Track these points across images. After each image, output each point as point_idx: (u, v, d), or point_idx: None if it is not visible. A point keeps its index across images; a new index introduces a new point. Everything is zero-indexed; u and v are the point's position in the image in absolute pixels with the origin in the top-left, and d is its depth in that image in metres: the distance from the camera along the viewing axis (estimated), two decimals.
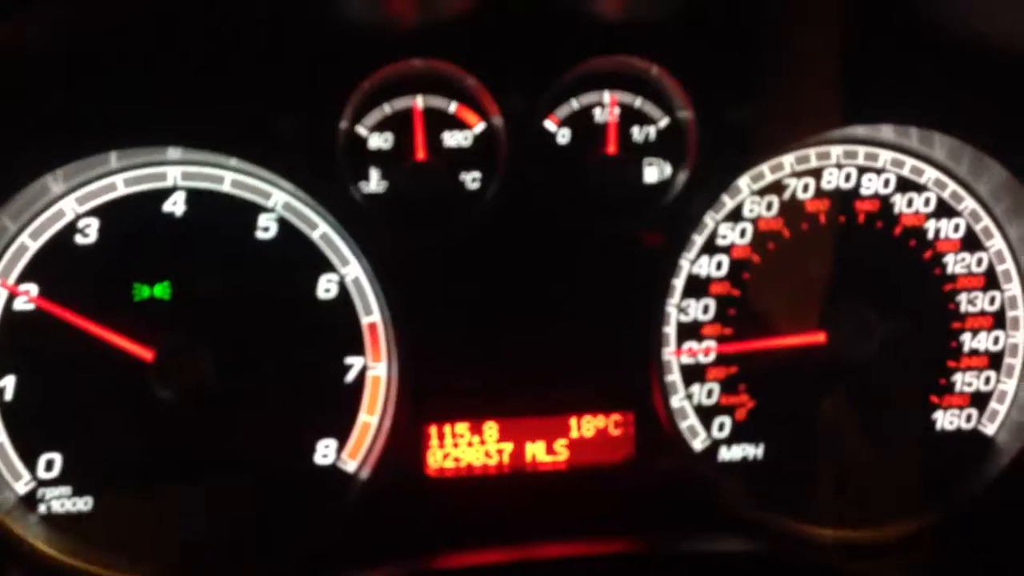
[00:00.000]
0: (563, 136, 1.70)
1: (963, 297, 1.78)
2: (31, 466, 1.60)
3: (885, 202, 1.77)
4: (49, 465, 1.60)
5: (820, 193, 1.76)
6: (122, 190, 1.60)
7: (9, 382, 1.58)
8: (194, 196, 1.62)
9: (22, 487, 1.60)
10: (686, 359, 1.75)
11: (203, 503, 1.64)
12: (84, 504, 1.62)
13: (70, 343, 1.58)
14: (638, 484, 1.71)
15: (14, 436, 1.59)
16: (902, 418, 1.79)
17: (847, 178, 1.77)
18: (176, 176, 1.62)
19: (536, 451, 1.70)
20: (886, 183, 1.77)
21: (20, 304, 1.58)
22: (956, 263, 1.78)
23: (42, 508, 1.60)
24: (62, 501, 1.61)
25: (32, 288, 1.58)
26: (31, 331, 1.58)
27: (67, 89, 1.51)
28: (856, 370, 1.75)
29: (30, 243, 1.58)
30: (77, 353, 1.58)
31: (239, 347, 1.63)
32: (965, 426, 1.80)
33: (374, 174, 1.66)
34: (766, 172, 1.75)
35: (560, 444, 1.70)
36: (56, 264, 1.58)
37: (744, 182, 1.74)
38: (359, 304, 1.67)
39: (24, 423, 1.59)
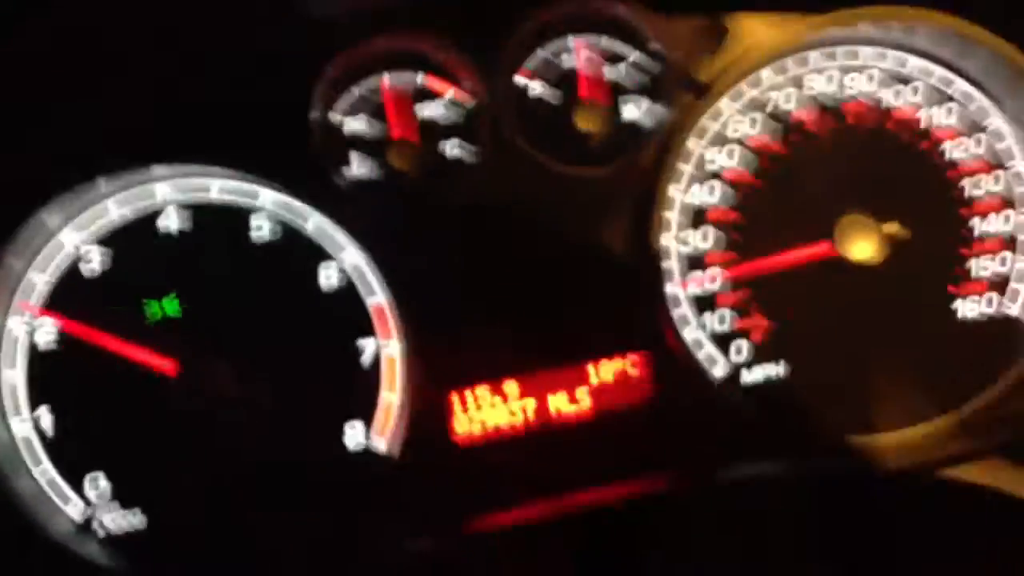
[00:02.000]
0: (535, 88, 1.70)
1: (967, 182, 1.74)
2: (79, 490, 1.66)
3: (872, 99, 1.73)
4: (95, 485, 1.66)
5: (804, 101, 1.73)
6: (115, 213, 1.65)
7: (44, 413, 1.64)
8: (185, 208, 1.66)
9: (75, 512, 1.66)
10: (694, 289, 1.74)
11: (247, 502, 1.69)
12: (138, 521, 1.67)
13: (96, 369, 1.63)
14: (665, 421, 1.72)
15: (58, 464, 1.65)
16: (923, 314, 1.76)
17: (829, 80, 1.73)
18: (165, 192, 1.65)
19: (559, 403, 1.71)
20: (870, 79, 1.73)
21: (43, 339, 1.63)
22: (954, 149, 1.74)
23: (98, 530, 1.67)
24: (115, 519, 1.67)
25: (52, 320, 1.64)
26: (57, 363, 1.63)
27: (44, 123, 1.55)
28: (869, 273, 1.73)
29: (38, 278, 1.63)
30: (104, 377, 1.63)
31: (254, 348, 1.67)
32: (987, 310, 1.76)
33: (355, 158, 1.67)
34: (745, 89, 1.72)
35: (582, 392, 1.71)
36: (67, 296, 1.63)
37: (724, 102, 1.72)
38: (362, 288, 1.69)
39: (65, 450, 1.65)
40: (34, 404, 1.64)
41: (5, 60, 1.35)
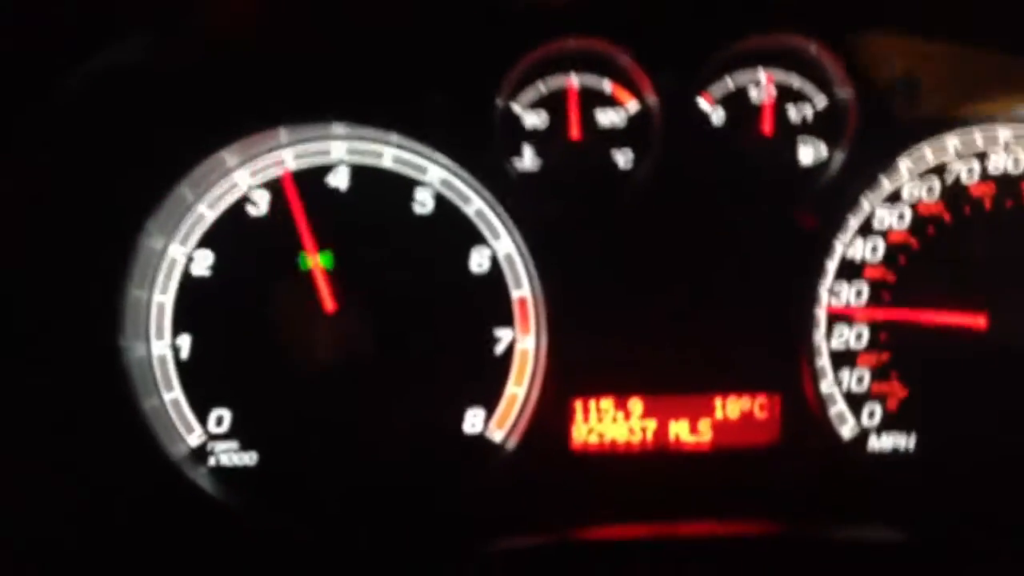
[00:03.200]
0: (717, 116, 1.69)
1: None
2: (203, 421, 1.70)
3: None
4: (219, 421, 1.70)
5: (986, 176, 1.70)
6: (291, 164, 1.69)
7: (185, 341, 1.68)
8: (357, 171, 1.69)
9: (194, 440, 1.70)
10: (836, 344, 1.72)
11: (359, 463, 1.71)
12: (250, 459, 1.71)
13: (243, 307, 1.68)
14: (783, 469, 1.70)
15: (189, 392, 1.69)
16: None
17: (1016, 162, 1.70)
18: (341, 151, 1.69)
19: (680, 430, 1.71)
20: None
21: (198, 269, 1.68)
22: None
23: (211, 460, 1.71)
24: (229, 455, 1.71)
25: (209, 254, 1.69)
26: (207, 295, 1.68)
27: (240, 68, 1.59)
28: (1016, 363, 1.69)
29: (208, 212, 1.68)
30: (248, 317, 1.68)
31: (396, 316, 1.69)
32: None
33: (528, 151, 1.69)
34: (928, 154, 1.70)
35: (704, 423, 1.70)
36: (230, 232, 1.68)
37: (904, 164, 1.69)
38: (510, 278, 1.71)
39: (198, 380, 1.69)
40: (177, 330, 1.69)
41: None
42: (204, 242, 1.68)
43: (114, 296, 1.60)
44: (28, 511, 1.55)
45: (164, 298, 1.68)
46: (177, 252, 1.68)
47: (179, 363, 1.69)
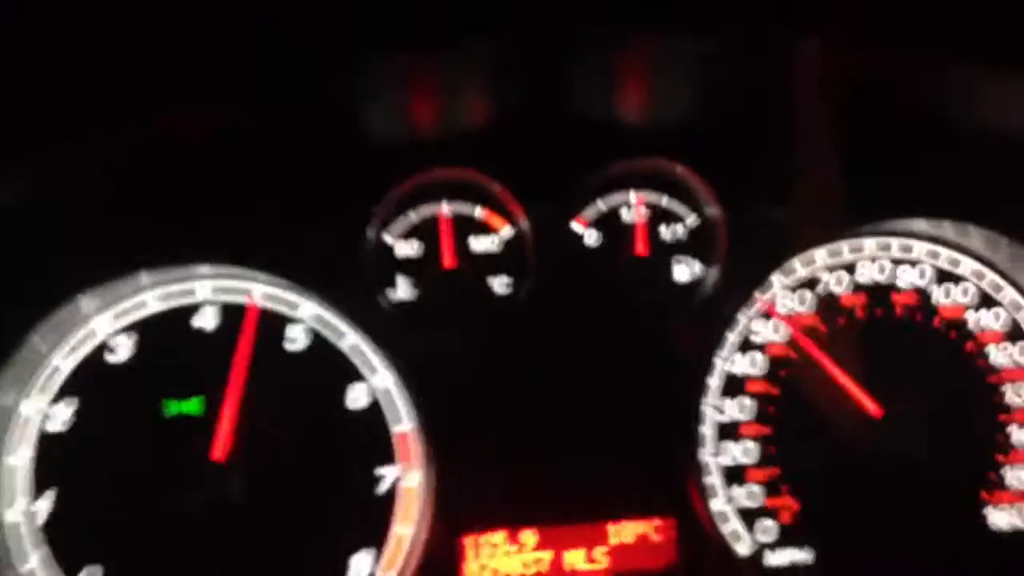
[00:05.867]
0: (591, 238, 1.69)
1: (1008, 389, 1.73)
2: None
3: (922, 294, 1.74)
4: None
5: (855, 287, 1.73)
6: (153, 307, 1.61)
7: (47, 500, 1.56)
8: (224, 310, 1.63)
9: None
10: (725, 460, 1.70)
11: None
12: None
13: (106, 462, 1.57)
14: None
15: (56, 552, 1.56)
16: (953, 516, 1.72)
17: (882, 270, 1.74)
18: (206, 291, 1.62)
19: (575, 559, 1.65)
20: (922, 275, 1.74)
21: (54, 426, 1.57)
22: (999, 354, 1.73)
23: None
24: None
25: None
26: (65, 450, 1.57)
27: (97, 211, 1.52)
28: (904, 467, 1.70)
29: (63, 363, 1.58)
30: (113, 471, 1.57)
31: (271, 459, 1.61)
32: (1019, 524, 1.72)
33: (402, 282, 1.66)
34: (798, 267, 1.73)
35: (600, 551, 1.65)
36: (88, 383, 1.58)
37: (776, 277, 1.72)
38: (389, 414, 1.65)
39: (64, 539, 1.56)
40: (36, 493, 1.56)
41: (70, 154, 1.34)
42: (60, 396, 1.58)
43: None
44: None
45: (16, 460, 1.56)
46: (30, 409, 1.57)
47: (37, 527, 1.56)
